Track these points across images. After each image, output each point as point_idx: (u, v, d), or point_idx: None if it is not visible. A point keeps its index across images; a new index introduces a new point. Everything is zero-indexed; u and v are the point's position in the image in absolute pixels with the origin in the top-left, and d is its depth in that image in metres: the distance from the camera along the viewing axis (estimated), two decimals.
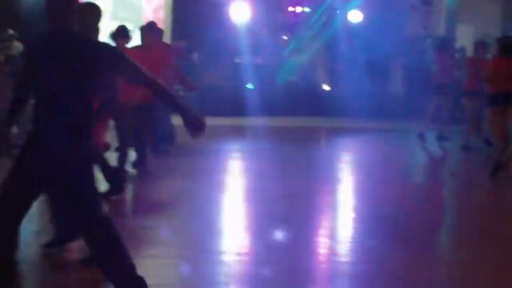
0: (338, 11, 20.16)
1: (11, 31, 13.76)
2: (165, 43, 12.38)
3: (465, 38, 21.88)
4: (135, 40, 10.84)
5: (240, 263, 6.70)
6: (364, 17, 19.87)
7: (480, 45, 14.10)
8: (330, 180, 10.96)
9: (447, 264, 6.89)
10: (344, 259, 7.07)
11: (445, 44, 15.35)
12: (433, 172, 12.27)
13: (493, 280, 6.35)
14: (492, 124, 11.16)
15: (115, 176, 8.70)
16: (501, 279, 6.39)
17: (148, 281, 4.95)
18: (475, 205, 9.57)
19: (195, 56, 17.72)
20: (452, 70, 14.71)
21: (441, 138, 14.19)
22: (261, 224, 8.20)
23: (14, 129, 6.02)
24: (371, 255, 7.12)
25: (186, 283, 6.15)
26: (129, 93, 9.05)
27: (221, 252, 6.97)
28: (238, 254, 6.95)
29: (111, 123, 9.13)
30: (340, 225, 8.55)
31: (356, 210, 9.19)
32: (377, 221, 8.31)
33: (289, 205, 8.94)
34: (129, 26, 10.45)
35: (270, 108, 15.96)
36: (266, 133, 14.62)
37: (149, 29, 10.91)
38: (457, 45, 20.23)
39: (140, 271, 4.91)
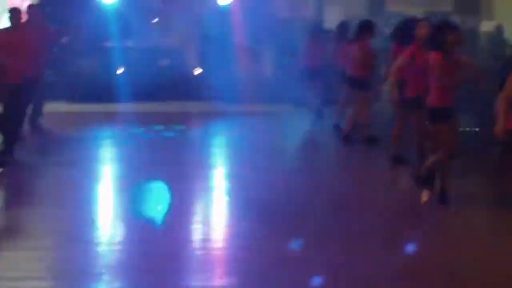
0: None
1: None
2: (36, 26, 12.11)
3: (333, 19, 22.27)
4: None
5: (114, 253, 6.67)
6: (234, 0, 19.93)
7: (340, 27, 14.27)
8: (203, 165, 10.99)
9: (319, 248, 7.04)
10: (218, 244, 7.14)
11: (315, 28, 15.56)
12: (307, 156, 12.41)
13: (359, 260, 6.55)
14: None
15: None
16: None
17: (20, 274, 4.88)
18: (347, 189, 9.74)
19: (65, 40, 17.36)
20: (324, 53, 14.82)
21: (317, 120, 14.32)
22: (134, 213, 8.16)
23: None
24: (246, 240, 7.22)
25: (59, 275, 6.09)
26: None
27: (95, 243, 6.93)
28: (112, 243, 6.93)
29: None
30: (215, 211, 8.61)
31: (230, 195, 9.26)
32: (251, 206, 8.39)
33: (163, 191, 8.94)
34: None
35: (142, 93, 15.84)
36: (138, 119, 14.51)
37: (17, 12, 10.72)
38: (326, 27, 20.56)
39: (12, 264, 4.83)
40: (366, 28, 12.25)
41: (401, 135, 10.42)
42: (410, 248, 6.78)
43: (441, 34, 8.39)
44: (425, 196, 8.53)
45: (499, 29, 18.83)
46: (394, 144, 10.54)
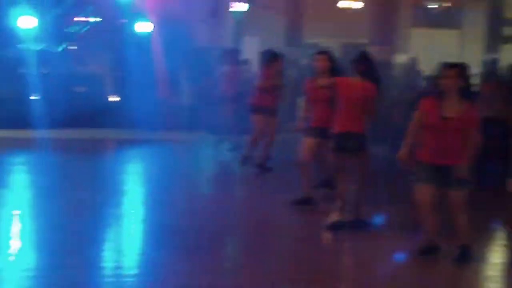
0: (127, 21, 20.08)
1: None
2: None
3: (251, 50, 22.42)
4: None
5: (25, 280, 6.53)
6: (154, 28, 19.91)
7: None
8: (117, 192, 10.88)
9: (232, 271, 7.05)
10: (129, 271, 7.05)
11: (230, 56, 15.63)
12: (220, 183, 12.46)
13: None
14: None
15: None
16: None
17: None
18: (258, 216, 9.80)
19: None
20: (238, 81, 14.92)
21: (232, 149, 14.37)
22: (43, 238, 8.01)
23: None
24: (157, 267, 7.17)
25: None
26: None
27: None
28: (21, 270, 6.78)
29: None
30: (126, 237, 8.51)
31: (143, 221, 9.18)
32: (163, 232, 8.34)
33: (77, 217, 8.82)
34: None
35: (57, 119, 15.63)
36: (52, 146, 14.30)
37: None
38: (243, 57, 20.68)
39: None
40: (272, 57, 12.48)
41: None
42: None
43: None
44: (331, 217, 8.67)
45: (413, 61, 19.24)
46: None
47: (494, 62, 16.64)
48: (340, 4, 22.02)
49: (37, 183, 11.50)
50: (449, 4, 22.33)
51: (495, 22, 22.22)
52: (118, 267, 7.08)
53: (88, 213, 9.03)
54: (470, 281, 7.36)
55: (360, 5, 22.39)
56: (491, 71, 15.63)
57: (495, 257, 8.33)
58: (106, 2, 19.58)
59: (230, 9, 22.34)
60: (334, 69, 9.65)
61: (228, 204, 10.36)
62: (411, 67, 18.64)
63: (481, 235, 9.09)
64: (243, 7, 22.78)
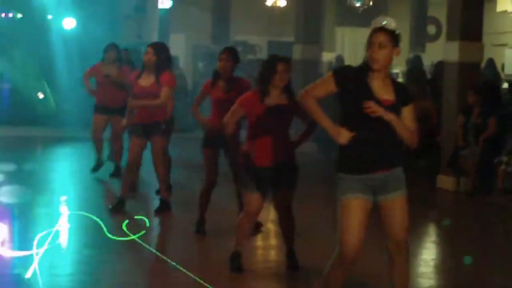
0: (51, 17, 19.82)
1: None
2: None
3: (177, 46, 22.30)
4: None
5: None
6: (78, 25, 19.71)
7: None
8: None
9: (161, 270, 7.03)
10: (62, 271, 6.97)
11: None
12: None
13: None
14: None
15: None
16: None
17: None
18: None
19: None
20: None
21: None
22: None
23: None
24: (89, 265, 7.16)
25: None
26: None
27: None
28: None
29: None
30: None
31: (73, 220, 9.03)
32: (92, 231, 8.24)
33: None
34: None
35: None
36: None
37: None
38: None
39: None
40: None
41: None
42: None
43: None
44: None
45: (339, 59, 19.43)
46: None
47: (420, 59, 16.89)
48: (267, 2, 22.05)
49: None
50: (374, 2, 22.56)
51: (419, 20, 22.58)
52: (53, 266, 6.99)
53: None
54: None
55: (286, 3, 22.49)
56: (415, 69, 15.86)
57: (426, 253, 8.46)
58: None
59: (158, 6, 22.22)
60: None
61: None
62: (338, 65, 18.80)
63: (412, 232, 9.24)
64: (168, 4, 22.67)
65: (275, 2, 22.27)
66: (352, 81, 5.37)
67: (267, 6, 22.42)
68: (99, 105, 11.85)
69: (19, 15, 20.15)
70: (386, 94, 5.39)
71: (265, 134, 6.82)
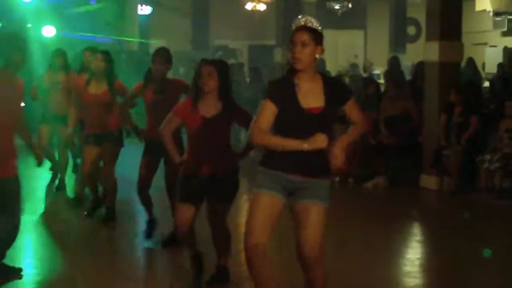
0: (30, 25, 19.76)
1: None
2: None
3: None
4: None
5: None
6: (57, 33, 19.65)
7: None
8: None
9: None
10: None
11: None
12: None
13: None
14: None
15: None
16: None
17: None
18: None
19: None
20: None
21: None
22: None
23: None
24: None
25: None
26: None
27: None
28: None
29: None
30: None
31: None
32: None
33: None
34: None
35: None
36: None
37: None
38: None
39: None
40: None
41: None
42: None
43: None
44: None
45: (320, 62, 19.41)
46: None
47: (397, 60, 16.96)
48: (247, 6, 22.09)
49: None
50: (353, 5, 22.64)
51: (399, 21, 22.68)
52: None
53: None
54: (388, 276, 7.45)
55: (265, 7, 22.53)
56: (394, 69, 15.92)
57: (411, 253, 8.48)
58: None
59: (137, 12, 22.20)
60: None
61: None
62: (319, 68, 18.83)
63: (396, 231, 9.28)
64: (148, 10, 22.68)
65: (255, 6, 22.34)
66: (281, 94, 5.13)
67: (247, 10, 22.48)
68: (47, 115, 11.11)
69: None
70: (314, 100, 5.13)
71: (198, 143, 6.43)
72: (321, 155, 5.15)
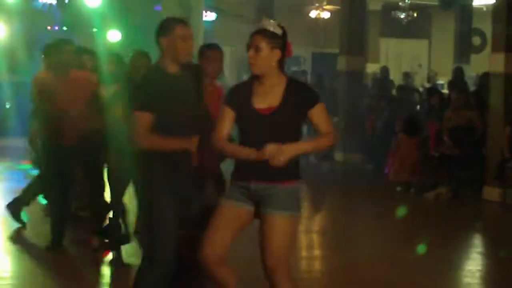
0: (96, 30, 20.06)
1: None
2: None
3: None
4: None
5: None
6: (122, 37, 19.92)
7: None
8: None
9: None
10: None
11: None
12: None
13: None
14: None
15: None
16: None
17: None
18: None
19: None
20: None
21: None
22: None
23: None
24: None
25: None
26: None
27: None
28: None
29: None
30: None
31: None
32: None
33: None
34: None
35: None
36: None
37: None
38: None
39: None
40: None
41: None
42: None
43: None
44: None
45: (384, 70, 19.37)
46: None
47: (461, 71, 16.81)
48: (311, 14, 22.12)
49: None
50: (418, 14, 22.52)
51: (464, 31, 22.47)
52: None
53: None
54: None
55: (329, 15, 22.54)
56: (458, 80, 15.80)
57: (472, 264, 8.42)
58: None
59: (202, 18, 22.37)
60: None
61: None
62: (384, 77, 18.78)
63: (457, 242, 9.21)
64: (212, 16, 22.85)
65: (319, 14, 22.36)
66: (238, 97, 5.02)
67: (311, 18, 22.51)
68: None
69: (65, 28, 20.45)
70: (267, 100, 4.92)
71: None
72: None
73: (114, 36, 20.03)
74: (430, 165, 12.42)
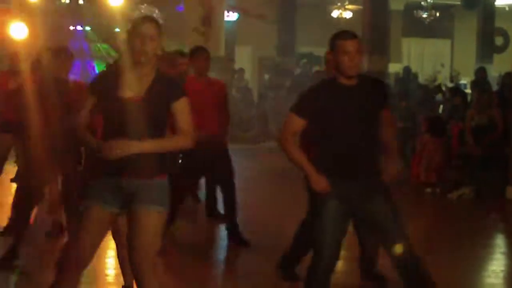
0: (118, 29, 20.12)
1: None
2: None
3: (244, 59, 22.46)
4: None
5: None
6: None
7: None
8: None
9: None
10: None
11: None
12: None
13: None
14: None
15: None
16: None
17: None
18: None
19: None
20: None
21: None
22: None
23: None
24: None
25: None
26: None
27: None
28: None
29: None
30: None
31: None
32: None
33: None
34: None
35: None
36: None
37: None
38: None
39: None
40: None
41: None
42: None
43: None
44: None
45: (406, 70, 19.33)
46: None
47: (484, 70, 16.75)
48: (333, 14, 22.10)
49: None
50: (440, 14, 22.44)
51: (487, 31, 22.38)
52: None
53: None
54: None
55: (351, 14, 22.51)
56: (481, 79, 15.74)
57: (496, 265, 8.38)
58: None
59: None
60: None
61: None
62: (406, 76, 18.75)
63: (480, 242, 9.17)
64: (234, 16, 22.86)
65: (341, 14, 22.33)
66: (102, 85, 4.82)
67: (332, 17, 22.48)
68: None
69: (88, 28, 20.53)
70: (135, 90, 4.71)
71: None
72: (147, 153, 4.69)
73: None
74: (453, 165, 12.38)
